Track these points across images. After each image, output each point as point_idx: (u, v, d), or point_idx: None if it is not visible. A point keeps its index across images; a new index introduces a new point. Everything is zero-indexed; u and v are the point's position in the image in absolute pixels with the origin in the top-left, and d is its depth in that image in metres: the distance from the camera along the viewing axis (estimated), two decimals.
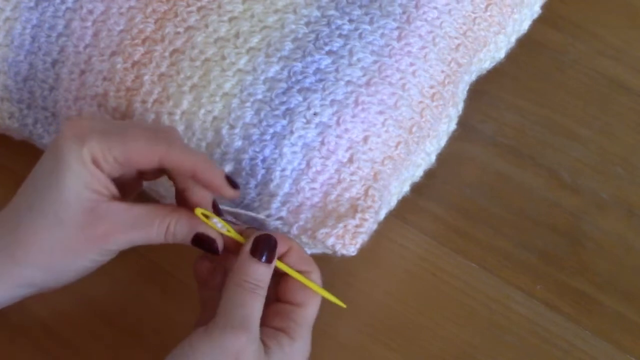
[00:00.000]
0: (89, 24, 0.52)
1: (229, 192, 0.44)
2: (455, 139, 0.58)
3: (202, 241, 0.44)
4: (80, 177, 0.42)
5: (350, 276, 0.53)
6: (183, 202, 0.45)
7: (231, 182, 0.44)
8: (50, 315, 0.52)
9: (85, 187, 0.42)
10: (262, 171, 0.48)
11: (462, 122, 0.58)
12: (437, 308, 0.52)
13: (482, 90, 0.60)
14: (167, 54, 0.50)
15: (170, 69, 0.50)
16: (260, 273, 0.43)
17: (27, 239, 0.43)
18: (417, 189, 0.56)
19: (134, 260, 0.54)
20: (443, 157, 0.57)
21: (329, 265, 0.54)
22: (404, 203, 0.56)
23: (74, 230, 0.43)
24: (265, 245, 0.44)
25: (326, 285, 0.53)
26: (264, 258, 0.44)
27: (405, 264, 0.54)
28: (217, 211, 0.45)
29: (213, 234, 0.44)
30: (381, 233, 0.55)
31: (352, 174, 0.48)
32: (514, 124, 0.59)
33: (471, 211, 0.56)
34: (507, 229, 0.55)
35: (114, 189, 0.44)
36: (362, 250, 0.54)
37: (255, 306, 0.43)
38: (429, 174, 0.57)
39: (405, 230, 0.55)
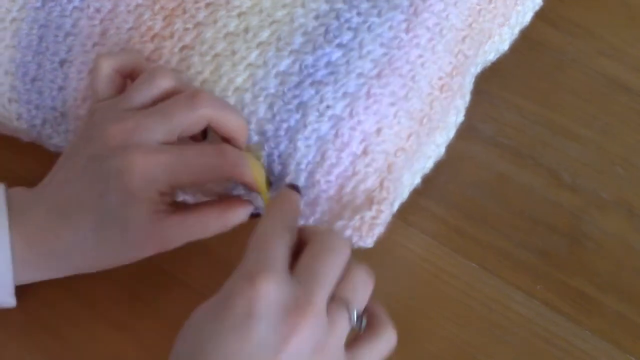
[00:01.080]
0: (96, 22, 0.52)
1: (265, 192, 0.47)
2: (455, 138, 0.58)
3: (257, 216, 0.48)
4: (148, 209, 0.45)
5: None
6: None
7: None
8: (50, 315, 0.52)
9: (152, 214, 0.45)
10: (279, 167, 0.48)
11: (463, 121, 0.58)
12: (437, 308, 0.52)
13: (482, 90, 0.60)
14: (176, 50, 0.50)
15: (181, 64, 0.50)
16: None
17: (91, 255, 0.47)
18: (418, 188, 0.56)
19: (136, 261, 0.54)
20: (443, 157, 0.57)
21: None
22: (405, 203, 0.56)
23: (138, 248, 0.47)
24: None
25: None
26: None
27: (405, 264, 0.54)
28: None
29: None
30: (381, 233, 0.55)
31: (366, 165, 0.48)
32: (514, 124, 0.59)
33: (471, 211, 0.56)
34: (507, 229, 0.55)
35: (170, 199, 0.47)
36: (362, 250, 0.54)
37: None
38: (429, 174, 0.57)
39: (405, 231, 0.55)
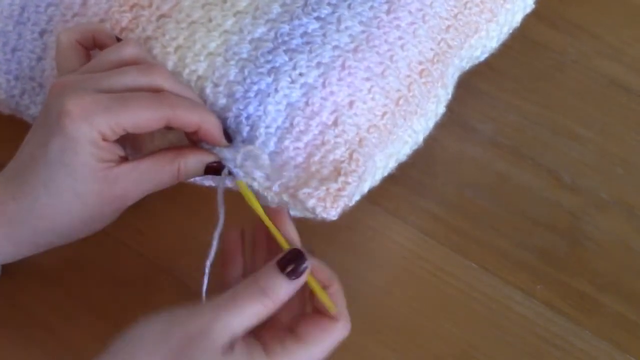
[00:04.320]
0: None
1: (224, 144, 0.47)
2: (455, 139, 0.58)
3: (213, 169, 0.47)
4: (92, 154, 0.43)
5: (350, 276, 0.53)
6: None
7: (227, 134, 0.47)
8: (50, 315, 0.52)
9: (98, 161, 0.44)
10: (247, 128, 0.47)
11: (462, 122, 0.58)
12: (437, 308, 0.52)
13: (482, 90, 0.60)
14: (153, 18, 0.50)
15: (156, 32, 0.50)
16: (279, 287, 0.42)
17: (47, 213, 0.45)
18: (417, 189, 0.56)
19: (134, 260, 0.54)
20: (443, 157, 0.57)
21: (329, 265, 0.54)
22: (404, 203, 0.56)
23: (91, 200, 0.45)
24: (295, 262, 0.43)
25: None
26: (289, 273, 0.43)
27: (405, 263, 0.54)
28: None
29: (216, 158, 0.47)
30: (381, 233, 0.55)
31: (336, 136, 0.47)
32: (514, 124, 0.59)
33: (471, 211, 0.56)
34: (507, 229, 0.55)
35: (121, 151, 0.45)
36: (363, 250, 0.54)
37: (248, 311, 0.41)
38: (429, 174, 0.57)
39: (405, 230, 0.55)
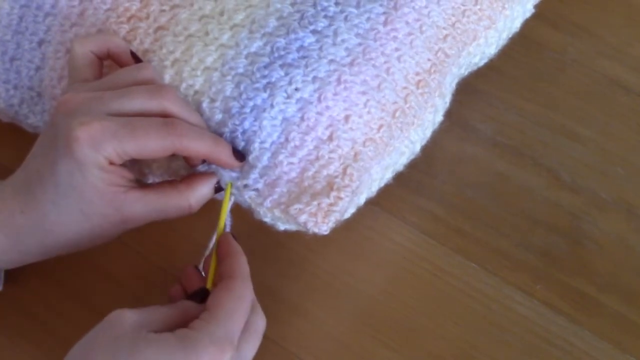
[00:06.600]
0: (75, 3, 0.53)
1: (237, 165, 0.47)
2: (455, 139, 0.58)
3: (218, 188, 0.49)
4: (100, 178, 0.44)
5: (350, 276, 0.53)
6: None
7: (238, 155, 0.47)
8: (50, 316, 0.52)
9: (106, 184, 0.45)
10: (242, 143, 0.48)
11: (462, 122, 0.58)
12: (437, 308, 0.52)
13: (482, 90, 0.60)
14: (151, 30, 0.50)
15: (154, 44, 0.50)
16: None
17: (54, 229, 0.46)
18: (417, 189, 0.56)
19: (134, 260, 0.54)
20: (443, 157, 0.57)
21: (328, 265, 0.54)
22: (404, 203, 0.56)
23: (98, 220, 0.46)
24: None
25: (325, 284, 0.53)
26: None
27: (405, 263, 0.54)
28: None
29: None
30: (381, 233, 0.55)
31: (331, 151, 0.47)
32: (514, 124, 0.59)
33: (471, 211, 0.56)
34: (507, 229, 0.55)
35: (129, 175, 0.46)
36: (362, 250, 0.54)
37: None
38: (429, 174, 0.57)
39: (405, 230, 0.55)
